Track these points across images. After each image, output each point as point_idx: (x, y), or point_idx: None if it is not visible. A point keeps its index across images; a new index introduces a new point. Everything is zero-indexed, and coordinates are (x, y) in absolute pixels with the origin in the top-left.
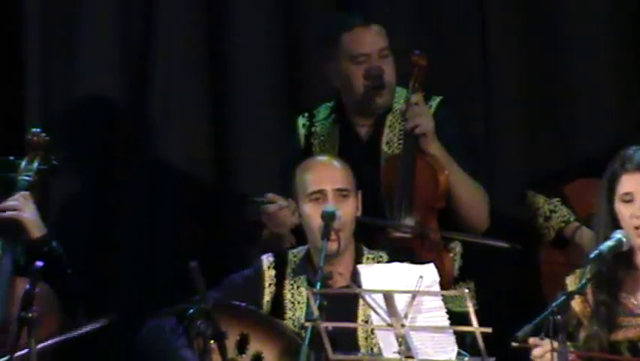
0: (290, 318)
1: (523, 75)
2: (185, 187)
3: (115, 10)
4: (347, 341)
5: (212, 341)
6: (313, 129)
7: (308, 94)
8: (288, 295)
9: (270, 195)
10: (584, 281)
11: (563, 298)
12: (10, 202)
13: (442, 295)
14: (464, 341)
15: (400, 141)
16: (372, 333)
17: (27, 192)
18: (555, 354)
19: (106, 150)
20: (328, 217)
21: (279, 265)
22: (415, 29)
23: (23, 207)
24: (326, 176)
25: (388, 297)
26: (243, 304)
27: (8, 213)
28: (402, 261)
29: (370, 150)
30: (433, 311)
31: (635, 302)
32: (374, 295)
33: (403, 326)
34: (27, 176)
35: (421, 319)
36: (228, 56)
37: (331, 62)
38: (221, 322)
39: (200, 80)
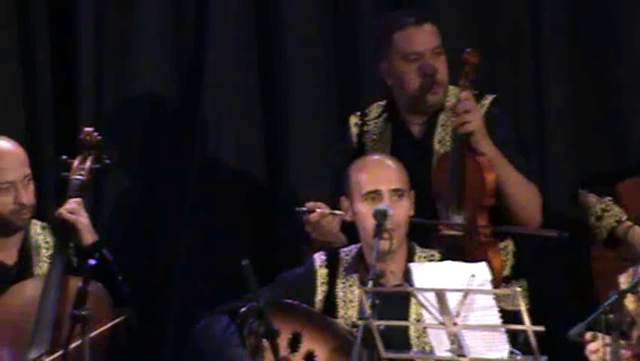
0: (342, 317)
1: (575, 75)
2: (236, 187)
3: (167, 10)
4: (399, 340)
5: (264, 340)
6: (365, 128)
7: (361, 93)
8: (340, 294)
9: (310, 204)
10: (636, 280)
11: (616, 296)
12: (69, 205)
13: (494, 294)
14: (516, 340)
15: (452, 139)
16: (424, 332)
17: (80, 199)
18: (609, 349)
19: (157, 149)
20: (380, 216)
21: (331, 264)
22: (468, 28)
23: (81, 212)
24: (382, 176)
25: (440, 295)
26: (296, 302)
27: (68, 215)
28: (454, 259)
29: (422, 149)
30: (485, 310)
31: None
32: (426, 294)
33: (455, 324)
34: (80, 175)
35: (473, 317)
36: (280, 56)
37: (384, 60)
38: (274, 320)
39: (251, 79)
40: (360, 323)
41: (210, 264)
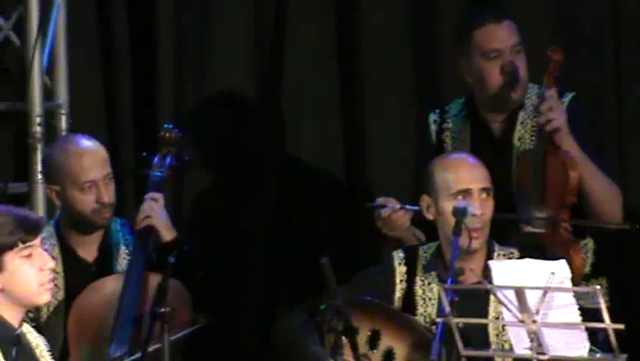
0: (421, 314)
1: None
2: (315, 185)
3: (247, 9)
4: (478, 337)
5: (343, 337)
6: (444, 125)
7: (440, 90)
8: (419, 292)
9: (381, 200)
10: None
11: None
12: (145, 211)
13: (574, 292)
14: (596, 338)
15: (532, 137)
16: (504, 329)
17: (159, 194)
18: None
19: (237, 147)
20: (460, 213)
21: (410, 261)
22: (549, 26)
23: (155, 213)
24: (472, 175)
25: (520, 293)
26: (375, 299)
27: (143, 222)
28: (533, 257)
29: (502, 146)
30: (565, 308)
31: None
32: (505, 292)
33: (534, 322)
34: (159, 172)
35: (552, 315)
36: (359, 53)
37: (464, 58)
38: (353, 317)
39: (331, 77)
40: (439, 320)
41: (288, 261)
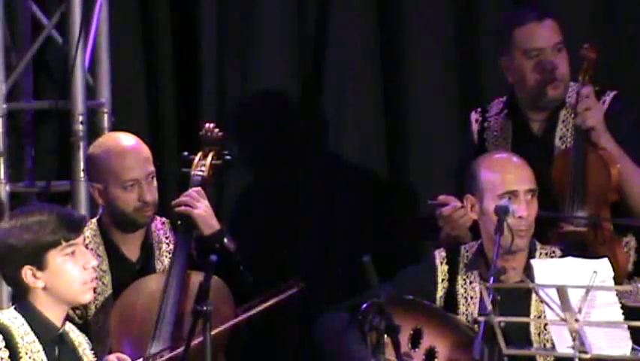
0: (463, 313)
1: None
2: (357, 183)
3: (288, 9)
4: (520, 336)
5: (385, 336)
6: (486, 124)
7: (482, 89)
8: (460, 291)
9: (442, 198)
10: None
11: None
12: (183, 198)
13: (617, 290)
14: (639, 337)
15: (573, 136)
16: (546, 328)
17: (200, 189)
18: None
19: (279, 146)
20: (502, 212)
21: (452, 261)
22: (593, 24)
23: (195, 204)
24: (518, 176)
25: (562, 292)
26: (417, 298)
27: (180, 208)
28: (575, 256)
29: (543, 145)
30: (607, 306)
31: None
32: (547, 290)
33: (576, 321)
34: (200, 171)
35: (595, 314)
36: (401, 54)
37: (505, 57)
38: (395, 316)
39: (372, 76)
40: (481, 319)
41: (331, 260)
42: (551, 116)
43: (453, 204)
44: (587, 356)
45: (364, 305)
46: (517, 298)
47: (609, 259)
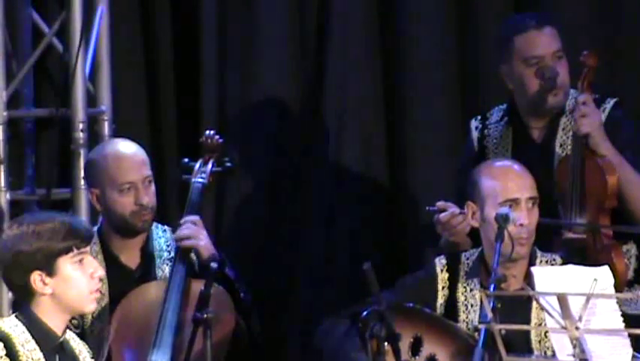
0: (463, 321)
1: None
2: (358, 189)
3: (290, 12)
4: (520, 344)
5: (386, 343)
6: (486, 132)
7: (482, 96)
8: (461, 298)
9: (441, 204)
10: None
11: None
12: (185, 231)
13: (617, 298)
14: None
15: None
16: (546, 336)
17: (197, 218)
18: None
19: (280, 152)
20: (503, 220)
21: (452, 268)
22: (592, 31)
23: (199, 236)
24: (519, 184)
25: (562, 299)
26: (417, 306)
27: (185, 242)
28: (576, 263)
29: (544, 152)
30: (608, 314)
31: None
32: (548, 298)
33: (577, 328)
34: (201, 178)
35: (595, 322)
36: (403, 59)
37: (505, 64)
38: (395, 324)
39: (374, 82)
40: (481, 326)
41: (332, 266)
42: (552, 124)
43: (451, 210)
44: None
45: (365, 313)
46: (517, 306)
47: (609, 266)
